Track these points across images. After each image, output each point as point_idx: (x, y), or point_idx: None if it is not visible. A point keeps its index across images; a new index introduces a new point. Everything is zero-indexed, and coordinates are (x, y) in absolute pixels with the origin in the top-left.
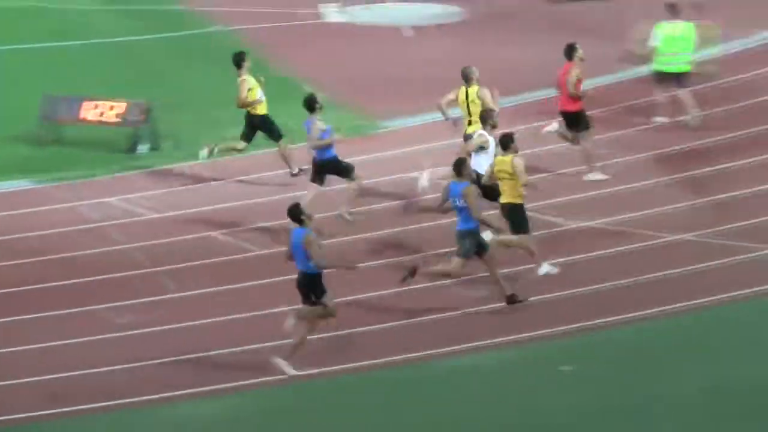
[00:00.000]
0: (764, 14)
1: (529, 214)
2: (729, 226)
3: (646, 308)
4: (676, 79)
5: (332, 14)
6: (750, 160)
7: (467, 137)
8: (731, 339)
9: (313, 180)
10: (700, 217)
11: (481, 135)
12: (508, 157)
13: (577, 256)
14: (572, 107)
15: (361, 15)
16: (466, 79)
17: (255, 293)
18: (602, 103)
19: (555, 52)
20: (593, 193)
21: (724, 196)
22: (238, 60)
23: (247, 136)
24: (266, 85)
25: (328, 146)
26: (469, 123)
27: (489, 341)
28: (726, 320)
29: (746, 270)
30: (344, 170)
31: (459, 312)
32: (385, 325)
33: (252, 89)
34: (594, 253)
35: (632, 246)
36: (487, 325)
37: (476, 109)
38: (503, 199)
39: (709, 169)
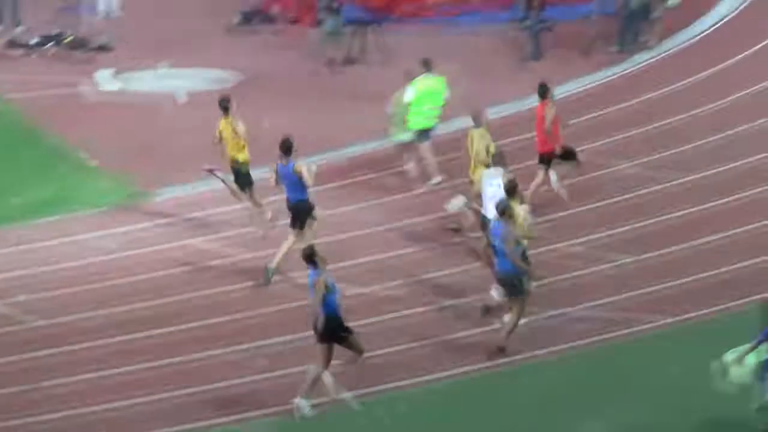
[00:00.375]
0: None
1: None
2: None
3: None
4: (427, 133)
5: (108, 82)
6: None
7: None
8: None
9: (293, 226)
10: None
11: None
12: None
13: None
14: (547, 148)
15: (136, 82)
16: (475, 121)
17: None
18: (372, 168)
19: (328, 118)
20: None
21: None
22: (225, 104)
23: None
24: (39, 154)
25: (305, 188)
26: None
27: None
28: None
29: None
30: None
31: None
32: None
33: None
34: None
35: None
36: None
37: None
38: None
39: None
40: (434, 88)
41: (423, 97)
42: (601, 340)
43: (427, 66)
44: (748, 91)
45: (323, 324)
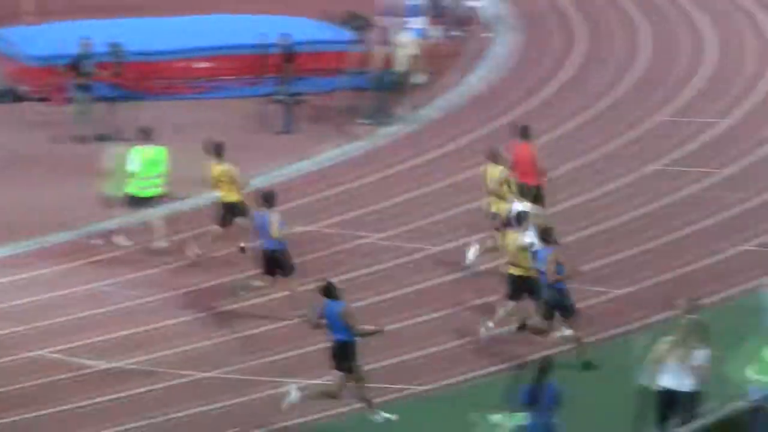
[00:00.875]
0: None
1: None
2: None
3: None
4: (150, 202)
5: None
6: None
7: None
8: None
9: (267, 273)
10: (226, 353)
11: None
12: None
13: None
14: (536, 181)
15: None
16: (494, 159)
17: None
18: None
19: (79, 194)
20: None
21: (255, 331)
22: (219, 150)
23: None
24: None
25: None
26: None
27: None
28: None
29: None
30: (289, 268)
31: None
32: None
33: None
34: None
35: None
36: None
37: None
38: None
39: (237, 306)
40: (155, 158)
41: (144, 166)
42: None
43: (146, 135)
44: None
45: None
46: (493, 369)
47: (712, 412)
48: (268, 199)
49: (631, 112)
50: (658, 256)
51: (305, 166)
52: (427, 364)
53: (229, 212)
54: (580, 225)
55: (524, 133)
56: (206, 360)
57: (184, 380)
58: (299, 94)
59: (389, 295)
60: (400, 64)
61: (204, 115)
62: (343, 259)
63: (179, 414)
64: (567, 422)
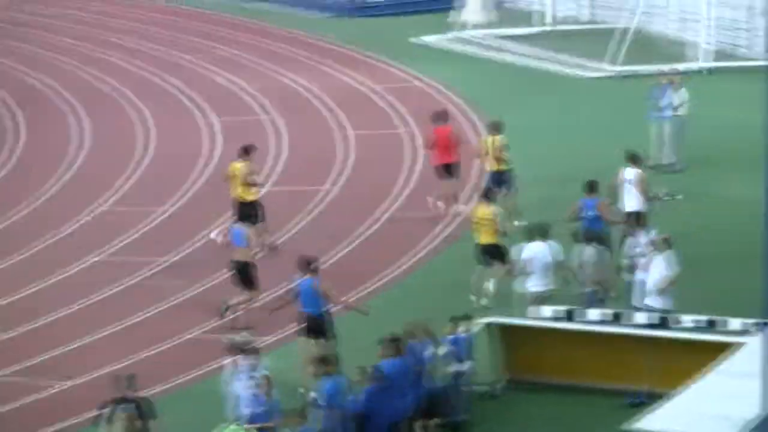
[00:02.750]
0: None
1: None
2: None
3: None
4: None
5: None
6: None
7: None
8: None
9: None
10: None
11: None
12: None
13: None
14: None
15: None
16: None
17: None
18: None
19: None
20: None
21: None
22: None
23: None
24: None
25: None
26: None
27: None
28: None
29: None
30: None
31: None
32: None
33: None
34: None
35: None
36: None
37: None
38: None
39: None
40: None
41: None
42: None
43: None
44: None
45: None
46: None
47: None
48: None
49: (72, 203)
50: (110, 345)
51: None
52: None
53: None
54: (24, 320)
55: (442, 117)
56: None
57: None
58: None
59: None
60: None
61: None
62: None
63: None
64: None
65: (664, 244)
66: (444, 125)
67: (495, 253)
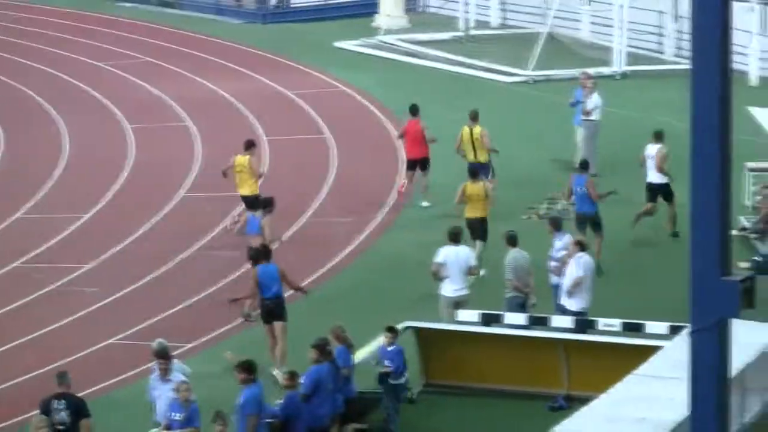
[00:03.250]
0: None
1: None
2: None
3: None
4: None
5: None
6: None
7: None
8: None
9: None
10: None
11: None
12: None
13: None
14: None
15: None
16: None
17: None
18: None
19: None
20: None
21: None
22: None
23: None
24: None
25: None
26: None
27: None
28: None
29: None
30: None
31: None
32: None
33: None
34: None
35: None
36: None
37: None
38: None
39: None
40: None
41: None
42: None
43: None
44: None
45: None
46: None
47: None
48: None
49: None
50: (23, 353)
51: None
52: None
53: None
54: None
55: (413, 110)
56: None
57: None
58: None
59: None
60: None
61: None
62: None
63: None
64: None
65: (577, 246)
66: (414, 119)
67: (480, 229)
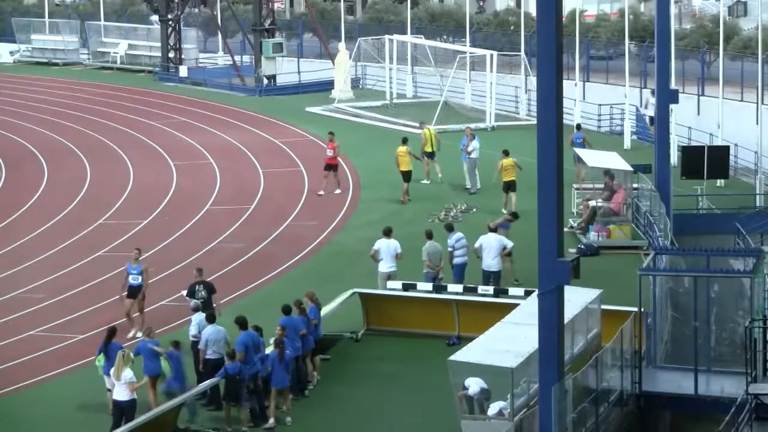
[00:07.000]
0: None
1: None
2: None
3: None
4: None
5: None
6: None
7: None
8: None
9: None
10: None
11: None
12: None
13: None
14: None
15: None
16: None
17: None
18: None
19: None
20: None
21: None
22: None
23: None
24: None
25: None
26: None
27: None
28: None
29: None
30: None
31: None
32: None
33: None
34: None
35: None
36: None
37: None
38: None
39: None
40: None
41: None
42: None
43: None
44: None
45: None
46: None
47: None
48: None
49: (82, 217)
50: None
51: None
52: None
53: None
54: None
55: (331, 134)
56: None
57: None
58: None
59: None
60: None
61: None
62: None
63: None
64: None
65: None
66: (331, 140)
67: (513, 186)
